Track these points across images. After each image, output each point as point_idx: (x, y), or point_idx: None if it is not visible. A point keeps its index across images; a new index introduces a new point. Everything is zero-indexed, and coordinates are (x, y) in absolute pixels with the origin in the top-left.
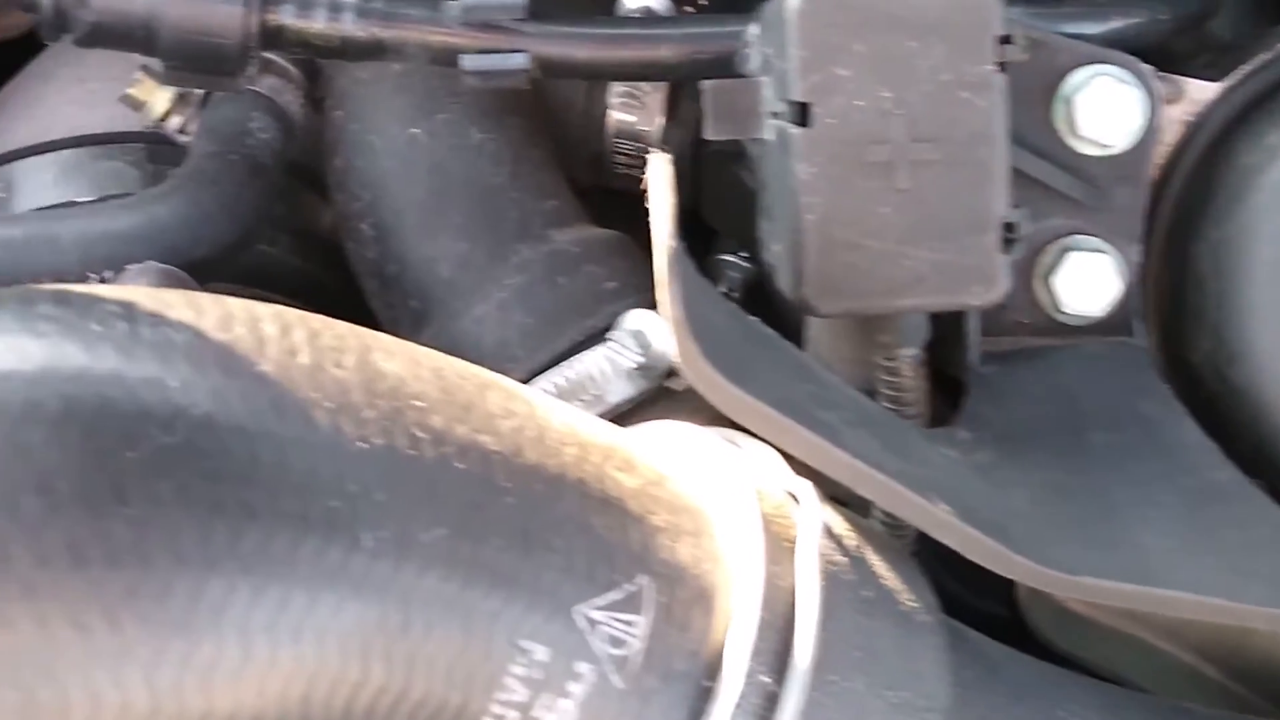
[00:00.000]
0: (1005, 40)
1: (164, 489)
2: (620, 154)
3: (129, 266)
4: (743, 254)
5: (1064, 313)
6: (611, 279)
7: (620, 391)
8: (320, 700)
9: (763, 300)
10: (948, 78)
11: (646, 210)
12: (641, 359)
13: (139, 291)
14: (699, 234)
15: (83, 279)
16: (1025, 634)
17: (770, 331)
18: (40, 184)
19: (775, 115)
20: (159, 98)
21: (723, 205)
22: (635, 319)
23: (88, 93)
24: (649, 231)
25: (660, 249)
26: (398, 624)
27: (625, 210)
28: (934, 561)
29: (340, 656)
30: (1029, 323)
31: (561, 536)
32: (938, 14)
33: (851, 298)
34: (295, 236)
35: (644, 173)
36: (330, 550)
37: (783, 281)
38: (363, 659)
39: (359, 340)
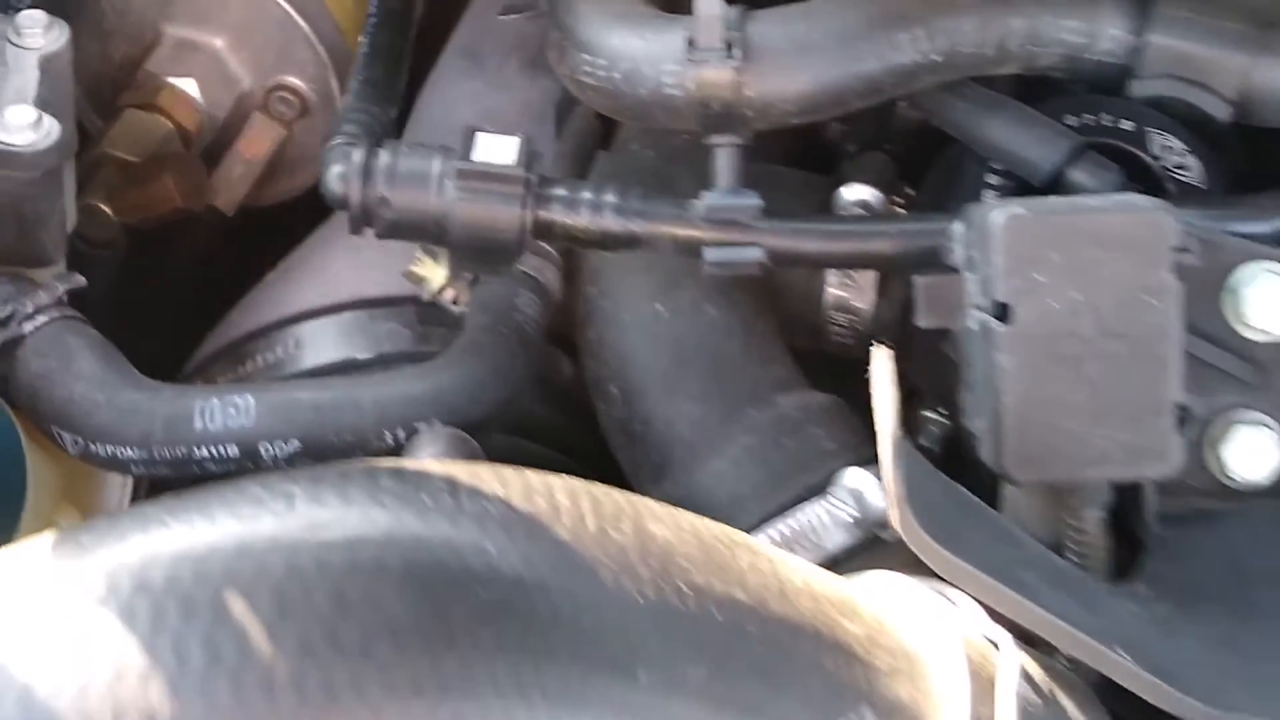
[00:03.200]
0: (1180, 249)
1: (485, 635)
2: (836, 325)
3: (420, 426)
4: (942, 410)
5: (1232, 479)
6: (830, 440)
7: (837, 541)
8: None
9: (959, 455)
10: (1131, 283)
11: (858, 373)
12: (857, 514)
13: (457, 467)
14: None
15: (380, 437)
16: None
17: (975, 499)
18: (325, 342)
19: (979, 308)
20: (437, 274)
21: (927, 370)
22: (852, 477)
23: (364, 260)
24: (861, 393)
25: (884, 438)
26: None
27: (840, 372)
28: (1114, 699)
29: None
30: (1201, 488)
31: (800, 676)
32: (1123, 229)
33: (1045, 469)
34: (539, 385)
35: (855, 340)
36: (615, 686)
37: (985, 453)
38: None
39: (633, 507)
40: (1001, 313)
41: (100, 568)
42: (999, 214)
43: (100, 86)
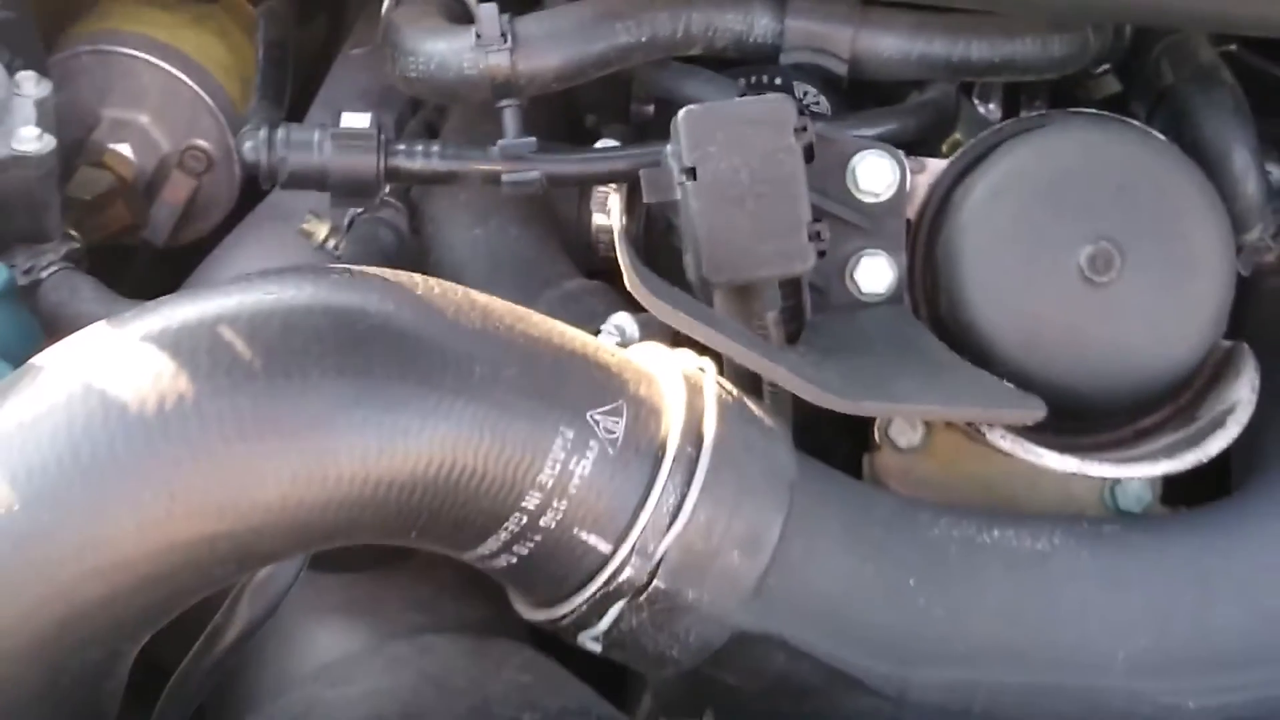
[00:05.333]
0: (800, 128)
1: (365, 351)
2: (600, 242)
3: None
4: None
5: (862, 293)
6: (600, 305)
7: None
8: (446, 472)
9: None
10: (770, 148)
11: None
12: (620, 339)
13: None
14: None
15: None
16: None
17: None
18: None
19: (679, 179)
20: (320, 228)
21: (663, 261)
22: (617, 318)
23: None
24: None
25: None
26: (496, 421)
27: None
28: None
29: (468, 436)
30: (844, 301)
31: (578, 376)
32: (761, 113)
33: (731, 273)
34: None
35: (614, 252)
36: (459, 379)
37: (692, 273)
38: (476, 443)
39: (467, 293)
40: (691, 175)
41: (144, 325)
42: (681, 112)
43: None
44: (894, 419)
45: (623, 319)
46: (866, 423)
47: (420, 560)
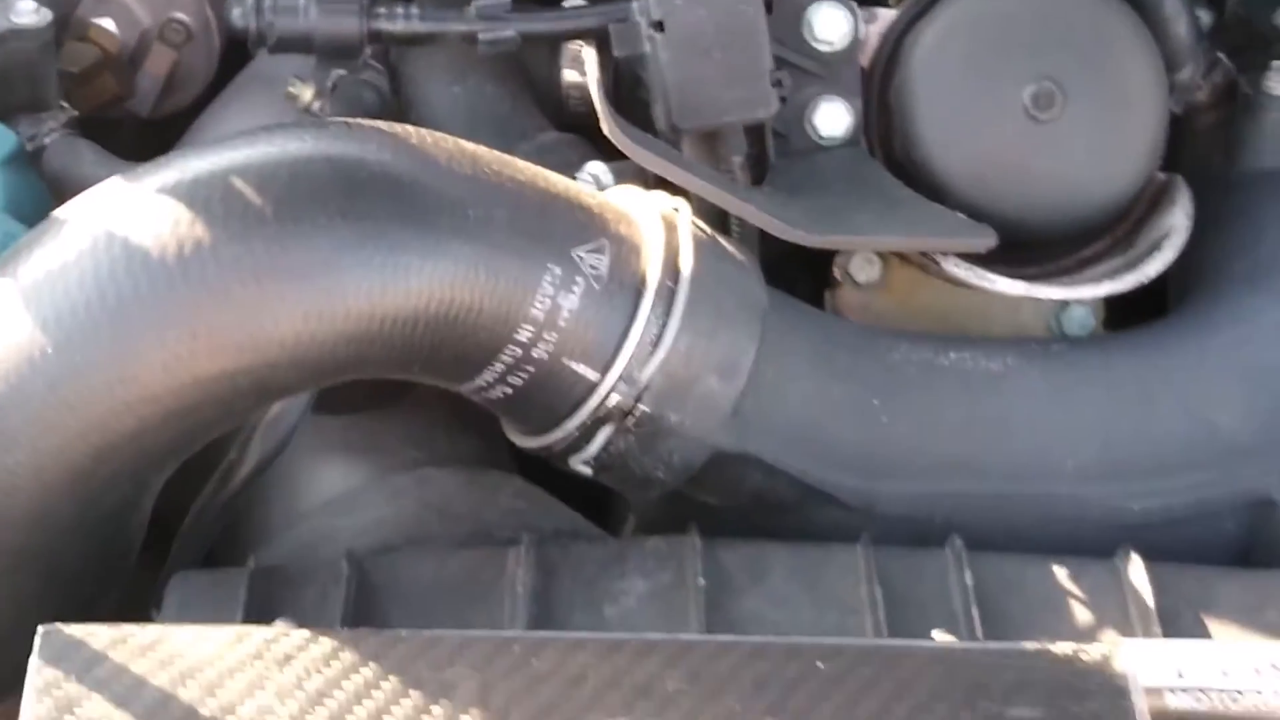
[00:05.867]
0: None
1: (367, 197)
2: (572, 97)
3: None
4: None
5: (821, 136)
6: (573, 155)
7: None
8: (445, 308)
9: None
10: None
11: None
12: (595, 186)
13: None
14: None
15: None
16: None
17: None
18: None
19: (647, 33)
20: (306, 92)
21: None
22: (590, 166)
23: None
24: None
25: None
26: (489, 260)
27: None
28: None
29: (465, 273)
30: (804, 146)
31: (563, 217)
32: None
33: (697, 120)
34: None
35: (585, 107)
36: (456, 219)
37: (662, 122)
38: (472, 280)
39: (457, 142)
40: (659, 28)
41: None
42: None
43: None
44: (853, 256)
45: (597, 167)
46: (827, 261)
47: (414, 400)
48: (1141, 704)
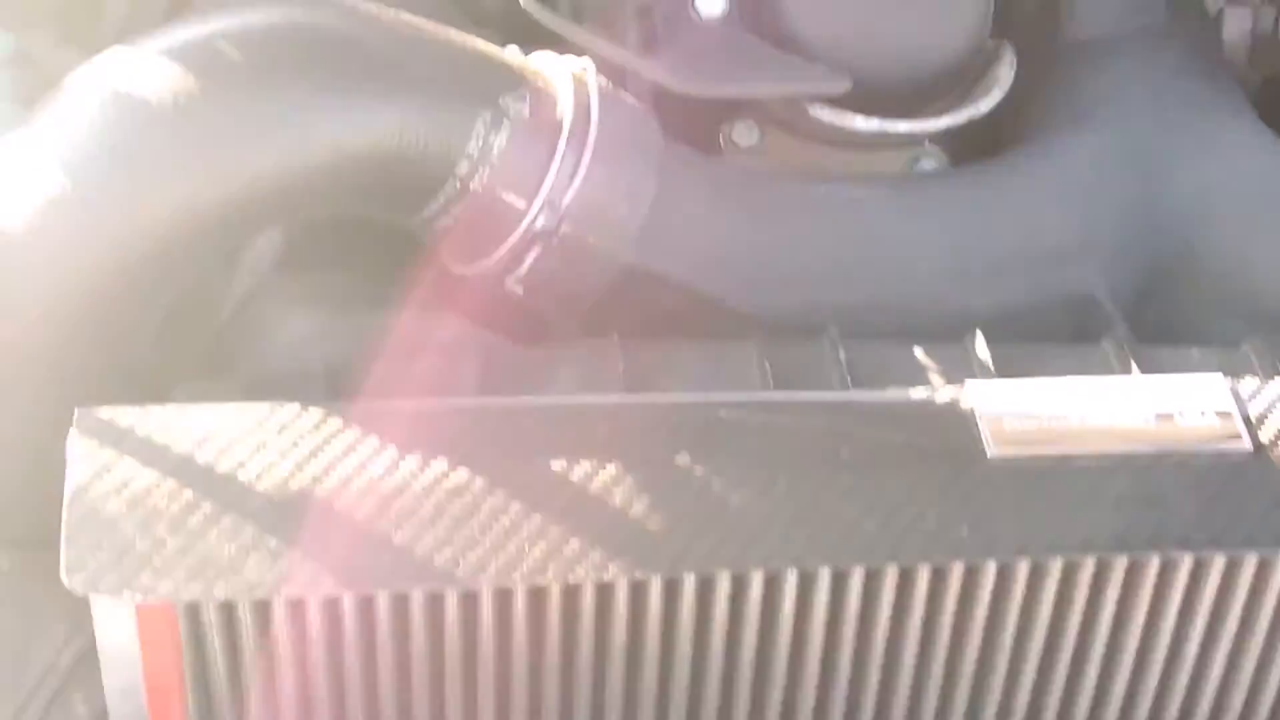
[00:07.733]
0: None
1: (330, 53)
2: None
3: None
4: None
5: (702, 19)
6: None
7: None
8: (395, 147)
9: None
10: None
11: None
12: None
13: None
14: None
15: None
16: None
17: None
18: None
19: None
20: None
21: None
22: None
23: None
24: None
25: None
26: (431, 106)
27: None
28: None
29: (412, 119)
30: (689, 27)
31: (491, 74)
32: None
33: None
34: None
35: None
36: (396, 75)
37: (565, 8)
38: (417, 124)
39: (397, 12)
40: None
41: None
42: None
43: None
44: (736, 123)
45: (512, 48)
46: (711, 129)
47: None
48: (986, 429)
